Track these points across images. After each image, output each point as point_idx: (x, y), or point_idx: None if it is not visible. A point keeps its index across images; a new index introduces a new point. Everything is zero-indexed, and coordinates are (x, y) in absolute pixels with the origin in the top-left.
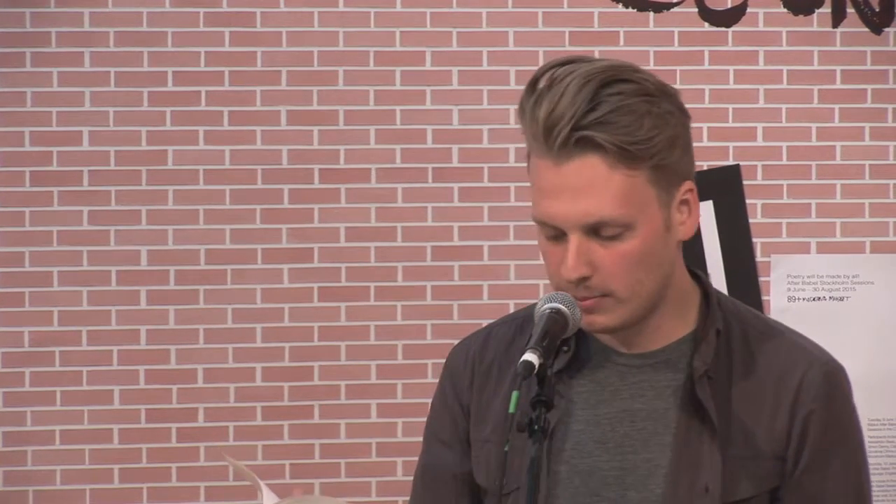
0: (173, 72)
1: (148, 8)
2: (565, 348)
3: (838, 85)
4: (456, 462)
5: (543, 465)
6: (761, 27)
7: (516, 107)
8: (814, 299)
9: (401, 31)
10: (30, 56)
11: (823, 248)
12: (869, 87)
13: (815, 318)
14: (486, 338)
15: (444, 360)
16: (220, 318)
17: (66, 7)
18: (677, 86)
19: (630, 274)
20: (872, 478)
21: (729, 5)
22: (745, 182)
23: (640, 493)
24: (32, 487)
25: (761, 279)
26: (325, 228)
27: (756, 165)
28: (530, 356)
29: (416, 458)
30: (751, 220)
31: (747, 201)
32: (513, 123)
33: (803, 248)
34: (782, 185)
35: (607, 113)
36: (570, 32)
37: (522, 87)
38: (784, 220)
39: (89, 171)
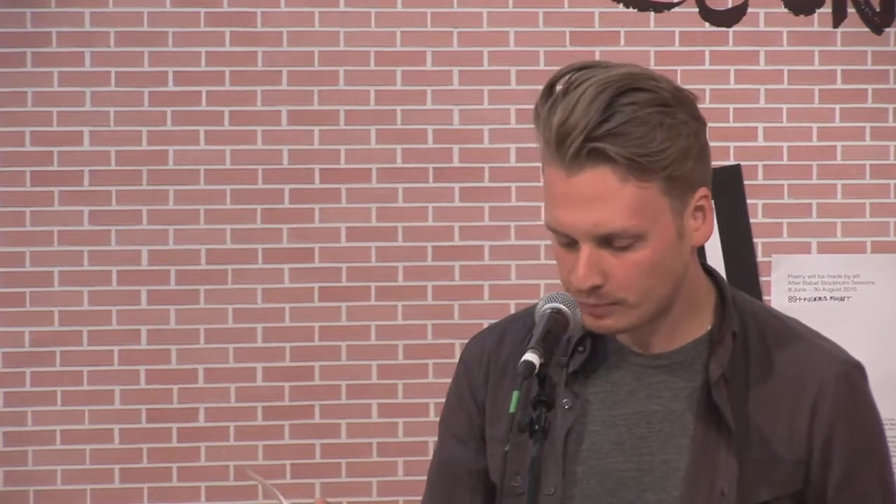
0: (174, 72)
1: (148, 8)
2: (581, 348)
3: (839, 85)
4: (470, 458)
5: (558, 466)
6: (762, 27)
7: (519, 107)
8: (815, 299)
9: (401, 31)
10: (30, 56)
11: (824, 248)
12: (870, 86)
13: (816, 318)
14: (501, 335)
15: (445, 360)
16: (221, 318)
17: (67, 7)
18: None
19: (641, 282)
20: None
21: (730, 5)
22: (745, 182)
23: (658, 495)
24: (33, 487)
25: (762, 279)
26: (326, 228)
27: (757, 165)
28: (531, 356)
29: (418, 458)
30: (752, 220)
31: (748, 201)
32: (513, 123)
33: (804, 248)
34: (783, 184)
35: (620, 124)
36: (570, 32)
37: (523, 87)
38: (785, 220)
39: (90, 171)
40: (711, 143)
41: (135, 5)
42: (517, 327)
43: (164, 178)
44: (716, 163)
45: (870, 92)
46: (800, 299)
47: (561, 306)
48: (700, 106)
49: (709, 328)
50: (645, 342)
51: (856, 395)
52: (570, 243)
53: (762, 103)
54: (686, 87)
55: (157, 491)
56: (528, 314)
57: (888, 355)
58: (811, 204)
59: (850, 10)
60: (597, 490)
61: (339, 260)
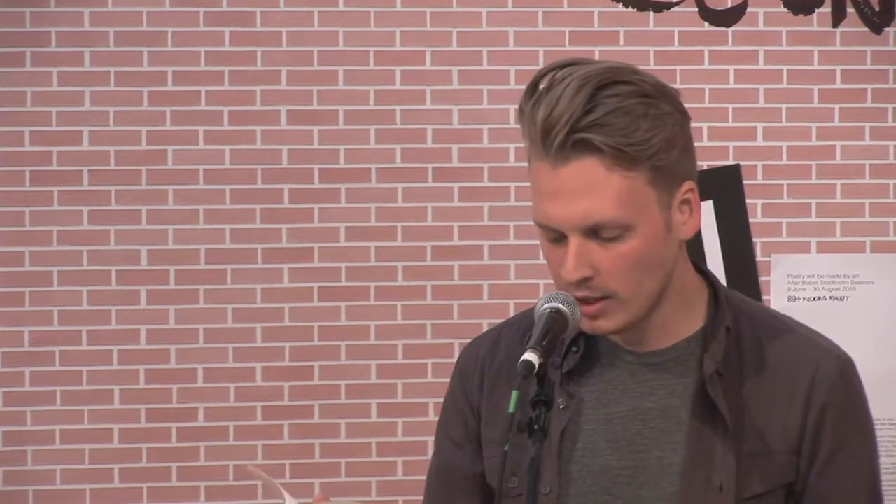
0: (173, 71)
1: (148, 7)
2: (574, 349)
3: (838, 84)
4: (467, 462)
5: (553, 466)
6: (761, 27)
7: (517, 107)
8: (814, 299)
9: (401, 31)
10: (30, 56)
11: (823, 248)
12: (869, 86)
13: (815, 317)
14: (495, 339)
15: (444, 360)
16: (220, 318)
17: (66, 7)
18: (677, 85)
19: (630, 274)
20: None
21: (729, 5)
22: (745, 182)
23: (654, 492)
24: (32, 487)
25: (761, 279)
26: (325, 228)
27: (756, 165)
28: (530, 356)
29: (417, 458)
30: (751, 220)
31: (747, 201)
32: (513, 123)
33: (803, 248)
34: (782, 184)
35: (604, 115)
36: (570, 32)
37: (523, 87)
38: (784, 220)
39: (89, 170)
40: (711, 143)
41: (134, 5)
42: (511, 332)
43: (163, 178)
44: (715, 162)
45: (869, 92)
46: (799, 299)
47: (560, 306)
48: (700, 106)
49: (702, 325)
50: (638, 340)
51: (848, 389)
52: (558, 238)
53: (761, 103)
54: (685, 86)
55: (156, 491)
56: (521, 318)
57: (887, 355)
58: (810, 204)
59: (850, 9)
60: (592, 488)
61: (339, 260)
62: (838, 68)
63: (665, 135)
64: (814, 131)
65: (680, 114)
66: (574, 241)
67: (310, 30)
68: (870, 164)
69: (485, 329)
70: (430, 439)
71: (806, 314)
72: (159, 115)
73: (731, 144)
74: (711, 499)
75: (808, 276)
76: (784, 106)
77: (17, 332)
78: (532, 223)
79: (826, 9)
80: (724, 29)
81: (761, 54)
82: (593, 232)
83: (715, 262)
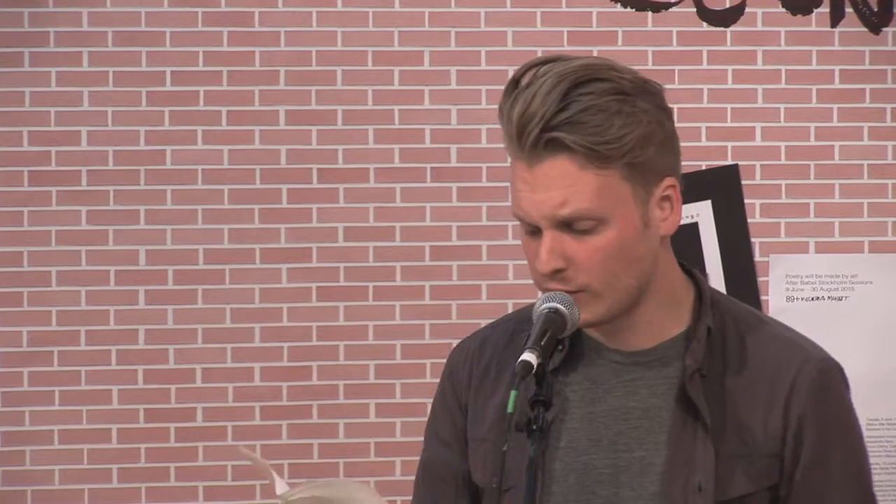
0: (171, 71)
1: (146, 8)
2: (560, 348)
3: (837, 84)
4: (455, 461)
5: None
6: (760, 27)
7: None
8: (812, 299)
9: (399, 31)
10: (28, 56)
11: (822, 248)
12: (867, 86)
13: (814, 317)
14: (483, 338)
15: (443, 360)
16: (219, 318)
17: (65, 7)
18: (675, 85)
19: (604, 268)
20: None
21: (727, 5)
22: (743, 182)
23: (635, 491)
24: (31, 487)
25: (760, 279)
26: (324, 228)
27: (754, 165)
28: (529, 356)
29: (416, 458)
30: (749, 220)
31: (746, 201)
32: None
33: (802, 248)
34: (781, 184)
35: (577, 113)
36: (568, 32)
37: None
38: (782, 220)
39: (87, 170)
40: (710, 143)
41: (132, 5)
42: (499, 330)
43: (161, 178)
44: (713, 162)
45: (867, 92)
46: (797, 299)
47: (559, 306)
48: (698, 106)
49: (687, 326)
50: (623, 340)
51: (828, 393)
52: (534, 231)
53: (760, 103)
54: (684, 87)
55: (154, 491)
56: (508, 319)
57: (886, 355)
58: (809, 204)
59: (848, 9)
60: (575, 487)
61: (337, 260)
62: (837, 68)
63: (640, 132)
64: (812, 131)
65: (659, 110)
66: (548, 234)
67: (308, 30)
68: (868, 164)
69: None
70: None
71: (804, 314)
72: (158, 115)
73: (729, 144)
74: (691, 499)
75: (807, 277)
76: (782, 106)
77: (15, 332)
78: None
79: (824, 9)
80: (722, 29)
81: (760, 54)
82: (567, 224)
83: (713, 262)
